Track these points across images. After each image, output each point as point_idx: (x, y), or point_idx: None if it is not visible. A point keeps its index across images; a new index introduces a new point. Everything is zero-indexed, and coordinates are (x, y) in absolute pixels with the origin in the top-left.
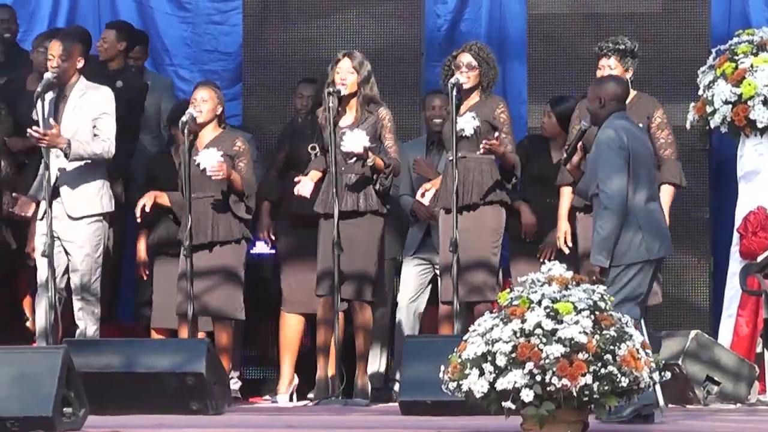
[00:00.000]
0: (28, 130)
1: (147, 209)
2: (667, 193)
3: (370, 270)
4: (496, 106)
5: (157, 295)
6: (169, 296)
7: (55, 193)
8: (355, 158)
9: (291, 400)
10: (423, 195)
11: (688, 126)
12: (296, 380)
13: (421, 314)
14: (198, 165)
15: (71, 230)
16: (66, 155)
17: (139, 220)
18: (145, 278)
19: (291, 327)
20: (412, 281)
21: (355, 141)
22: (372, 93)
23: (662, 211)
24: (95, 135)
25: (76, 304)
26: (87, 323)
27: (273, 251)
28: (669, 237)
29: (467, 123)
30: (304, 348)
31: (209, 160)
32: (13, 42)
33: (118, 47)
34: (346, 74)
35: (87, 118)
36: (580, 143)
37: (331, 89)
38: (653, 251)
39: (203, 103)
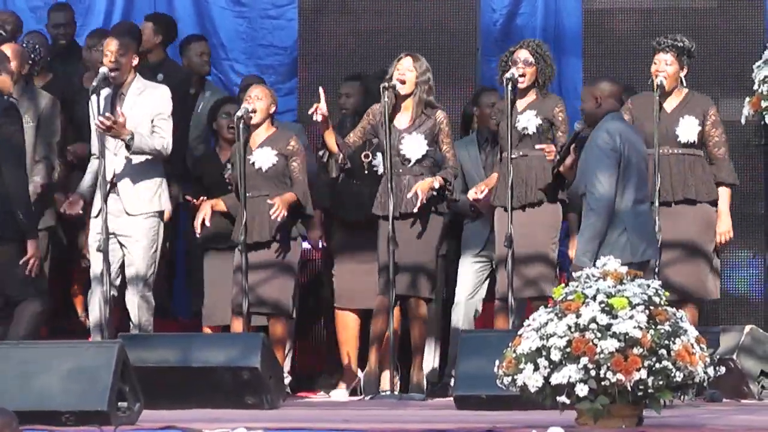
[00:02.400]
0: (98, 117)
1: (207, 223)
2: (724, 193)
3: (427, 266)
4: (555, 105)
5: (209, 292)
6: (221, 292)
7: (111, 190)
8: (411, 161)
9: (355, 394)
10: (477, 194)
11: (743, 121)
12: (360, 374)
13: (478, 311)
14: (253, 164)
15: (128, 225)
16: (128, 147)
17: (198, 234)
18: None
19: (347, 323)
20: (471, 278)
21: (414, 146)
22: (429, 98)
23: (652, 215)
24: (153, 132)
25: (132, 299)
26: (141, 316)
27: (320, 247)
28: (657, 241)
29: (530, 121)
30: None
31: (265, 159)
32: (71, 41)
33: (155, 40)
34: (405, 71)
35: (146, 115)
36: (573, 145)
37: (387, 84)
38: (637, 254)
39: (258, 101)
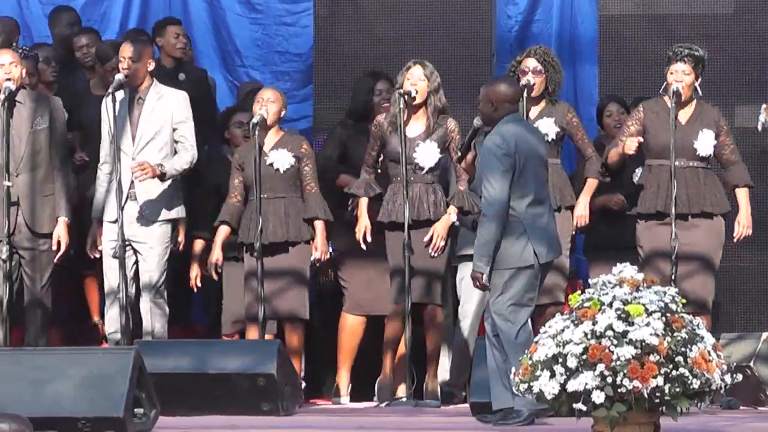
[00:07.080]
0: (139, 178)
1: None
2: (744, 193)
3: (440, 273)
4: (566, 111)
5: (227, 301)
6: (237, 302)
7: (128, 195)
8: (425, 170)
9: (353, 399)
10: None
11: (759, 127)
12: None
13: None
14: (271, 165)
15: (144, 232)
16: (162, 177)
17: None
18: (215, 278)
19: (351, 328)
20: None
21: (427, 154)
22: (441, 104)
23: (551, 216)
24: (176, 141)
25: (145, 304)
26: (155, 322)
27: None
28: (557, 240)
29: (550, 128)
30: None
31: (283, 161)
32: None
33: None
34: (416, 81)
35: (166, 121)
36: (473, 142)
37: (401, 91)
38: (542, 256)
39: (270, 104)
